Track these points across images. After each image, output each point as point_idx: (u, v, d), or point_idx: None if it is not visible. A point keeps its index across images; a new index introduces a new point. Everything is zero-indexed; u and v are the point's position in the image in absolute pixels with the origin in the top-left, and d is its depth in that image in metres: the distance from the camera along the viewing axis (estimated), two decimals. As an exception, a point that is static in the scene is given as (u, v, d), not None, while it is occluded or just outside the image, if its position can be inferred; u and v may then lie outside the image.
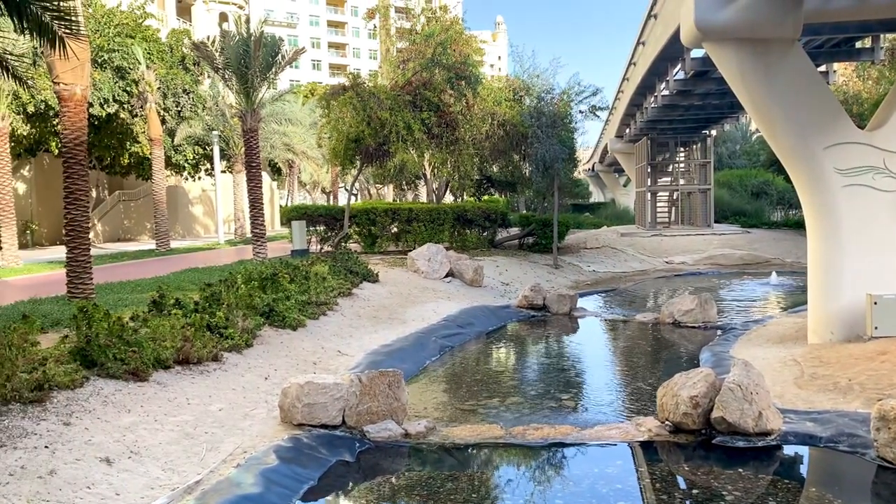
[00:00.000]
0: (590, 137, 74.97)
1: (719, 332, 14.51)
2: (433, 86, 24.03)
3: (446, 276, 19.82)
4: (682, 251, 31.57)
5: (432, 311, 15.93)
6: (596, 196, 80.00)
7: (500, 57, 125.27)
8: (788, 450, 7.58)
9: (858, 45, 20.46)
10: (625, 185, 67.56)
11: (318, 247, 25.30)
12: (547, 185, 26.09)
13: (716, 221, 39.20)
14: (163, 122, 32.61)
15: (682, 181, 42.22)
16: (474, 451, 7.79)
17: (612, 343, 15.20)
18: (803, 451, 7.60)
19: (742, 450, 7.47)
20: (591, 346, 14.75)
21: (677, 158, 42.18)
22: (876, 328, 11.00)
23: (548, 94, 27.17)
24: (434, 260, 19.93)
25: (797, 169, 12.25)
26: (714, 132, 40.91)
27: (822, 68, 22.75)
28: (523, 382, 11.40)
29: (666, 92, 28.01)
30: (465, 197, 38.16)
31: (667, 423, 8.07)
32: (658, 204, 42.07)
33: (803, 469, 7.50)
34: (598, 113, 30.20)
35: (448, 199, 37.08)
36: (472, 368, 12.28)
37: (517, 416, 8.99)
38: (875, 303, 10.98)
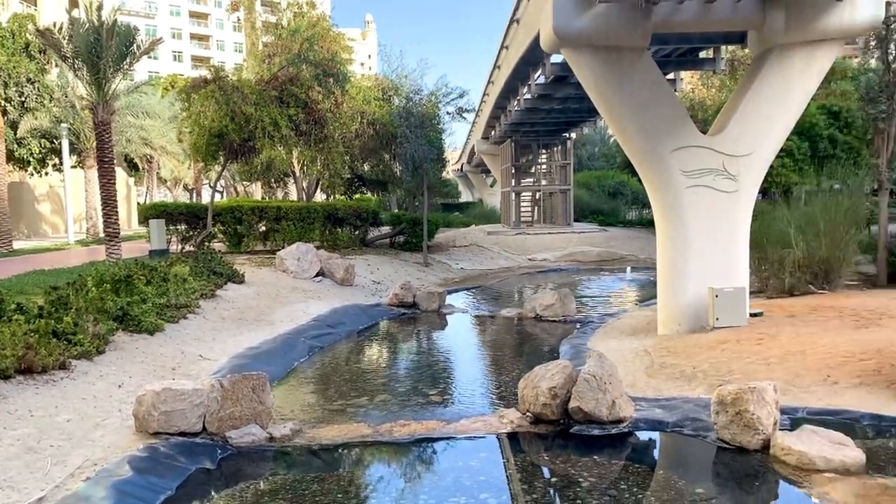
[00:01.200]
0: (458, 138, 76.11)
1: (578, 325, 15.19)
2: (300, 82, 23.55)
3: (317, 275, 19.53)
4: (545, 249, 32.75)
5: (302, 311, 15.67)
6: (465, 196, 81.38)
7: (370, 56, 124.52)
8: (640, 435, 8.06)
9: (702, 55, 21.89)
10: (492, 186, 69.15)
11: (179, 247, 24.18)
12: (417, 184, 26.35)
13: (575, 220, 40.98)
14: (4, 113, 30.02)
15: (544, 182, 43.76)
16: (342, 452, 7.75)
17: (479, 338, 15.55)
18: (654, 436, 8.10)
19: (597, 437, 7.87)
20: (459, 342, 15.03)
21: (540, 160, 43.70)
22: (717, 319, 11.92)
23: (416, 95, 27.42)
24: (304, 259, 19.58)
25: (647, 170, 13.01)
26: (574, 135, 42.68)
27: (671, 76, 24.19)
28: (392, 380, 11.45)
29: (528, 96, 28.85)
30: (336, 195, 37.72)
31: (528, 413, 8.36)
32: (522, 204, 43.43)
33: (655, 453, 7.99)
34: (464, 115, 30.82)
35: (319, 197, 36.51)
36: (342, 368, 12.20)
37: (385, 414, 9.03)
38: (716, 296, 11.90)
